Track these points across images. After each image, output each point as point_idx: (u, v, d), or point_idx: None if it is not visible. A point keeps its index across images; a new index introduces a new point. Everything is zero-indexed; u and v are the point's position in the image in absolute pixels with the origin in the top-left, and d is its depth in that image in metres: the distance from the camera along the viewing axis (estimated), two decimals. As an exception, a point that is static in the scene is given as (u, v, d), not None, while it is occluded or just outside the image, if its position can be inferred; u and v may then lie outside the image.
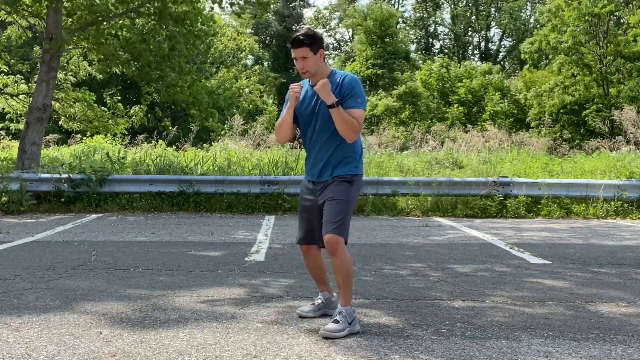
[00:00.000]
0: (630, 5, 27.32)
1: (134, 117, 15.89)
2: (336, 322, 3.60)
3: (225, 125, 19.51)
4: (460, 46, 48.99)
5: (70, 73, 15.56)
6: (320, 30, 45.86)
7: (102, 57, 13.02)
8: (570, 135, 23.68)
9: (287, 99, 3.87)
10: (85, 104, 14.89)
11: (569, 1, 25.35)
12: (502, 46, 49.06)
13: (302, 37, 3.68)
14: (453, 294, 4.72)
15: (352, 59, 37.99)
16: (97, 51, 12.94)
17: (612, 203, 10.62)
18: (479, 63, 38.36)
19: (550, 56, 30.07)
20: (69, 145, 18.21)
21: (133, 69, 12.93)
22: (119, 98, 16.49)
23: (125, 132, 16.27)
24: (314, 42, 3.69)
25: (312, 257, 3.96)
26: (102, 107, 15.90)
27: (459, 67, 32.90)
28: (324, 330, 3.57)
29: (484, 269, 5.78)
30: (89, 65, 15.72)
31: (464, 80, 30.79)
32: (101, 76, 15.92)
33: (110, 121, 15.36)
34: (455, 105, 29.07)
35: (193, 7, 12.61)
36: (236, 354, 3.28)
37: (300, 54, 3.69)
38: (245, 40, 38.46)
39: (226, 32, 36.94)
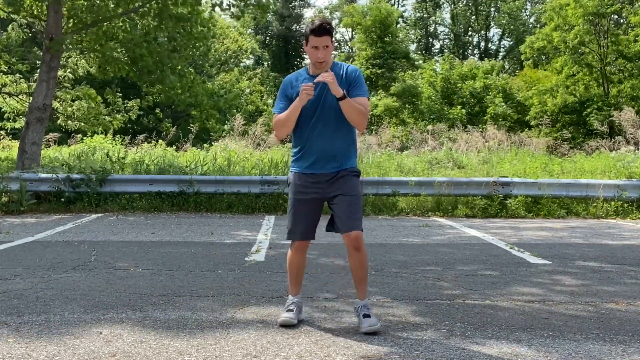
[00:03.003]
0: (632, 4, 27.30)
1: (131, 112, 15.88)
2: (369, 315, 3.69)
3: (226, 126, 19.50)
4: (460, 46, 48.98)
5: (69, 71, 15.53)
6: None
7: (101, 57, 12.99)
8: (570, 135, 23.69)
9: (280, 93, 3.82)
10: (85, 100, 14.86)
11: None
12: (502, 46, 49.12)
13: (327, 26, 3.64)
14: (453, 294, 4.72)
15: (351, 58, 37.98)
16: (97, 52, 12.92)
17: (612, 203, 10.62)
18: (479, 62, 38.35)
19: (550, 55, 30.05)
20: (69, 145, 18.20)
21: (132, 71, 12.89)
22: (120, 92, 16.46)
23: (123, 125, 16.23)
24: (333, 31, 3.72)
25: (303, 254, 3.94)
26: (102, 104, 15.89)
27: (462, 65, 32.80)
28: (369, 327, 3.62)
29: (484, 269, 5.78)
30: (88, 64, 15.71)
31: (467, 82, 30.72)
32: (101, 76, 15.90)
33: (107, 118, 15.33)
34: (458, 107, 29.01)
35: (193, 9, 12.60)
36: (236, 354, 3.28)
37: (324, 42, 3.65)
38: (247, 42, 38.43)
39: (229, 35, 36.90)
